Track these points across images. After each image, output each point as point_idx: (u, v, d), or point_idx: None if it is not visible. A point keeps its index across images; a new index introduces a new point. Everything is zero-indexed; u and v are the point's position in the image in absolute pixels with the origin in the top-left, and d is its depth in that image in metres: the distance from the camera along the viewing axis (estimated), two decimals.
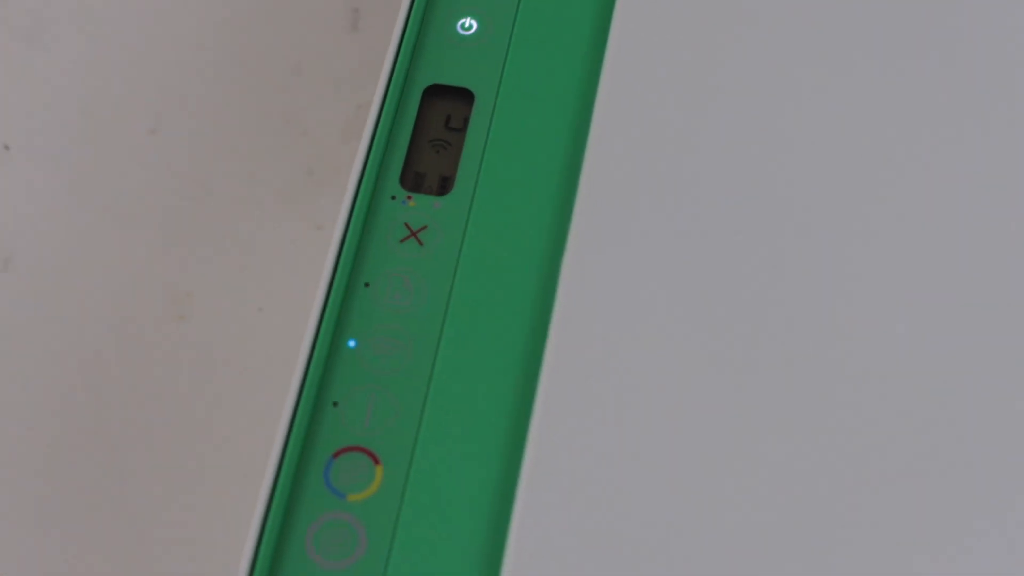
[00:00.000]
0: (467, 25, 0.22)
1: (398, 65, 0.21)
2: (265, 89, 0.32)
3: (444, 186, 0.20)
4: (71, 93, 0.31)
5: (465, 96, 0.21)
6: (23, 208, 0.30)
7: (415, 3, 0.21)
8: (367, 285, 0.19)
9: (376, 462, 0.18)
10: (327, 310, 0.19)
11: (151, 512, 0.25)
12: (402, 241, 0.20)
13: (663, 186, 0.20)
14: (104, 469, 0.26)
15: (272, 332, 0.27)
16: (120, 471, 0.26)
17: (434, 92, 0.21)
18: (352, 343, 0.19)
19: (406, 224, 0.20)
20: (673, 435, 0.18)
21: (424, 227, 0.20)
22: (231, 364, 0.27)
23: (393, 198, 0.20)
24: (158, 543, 0.25)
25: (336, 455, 0.18)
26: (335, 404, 0.18)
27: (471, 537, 0.18)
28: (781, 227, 0.20)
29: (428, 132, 0.21)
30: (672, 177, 0.20)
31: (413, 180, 0.20)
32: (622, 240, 0.19)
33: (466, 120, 0.21)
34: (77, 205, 0.30)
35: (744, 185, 0.20)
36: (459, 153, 0.20)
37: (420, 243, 0.20)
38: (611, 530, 0.17)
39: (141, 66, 0.32)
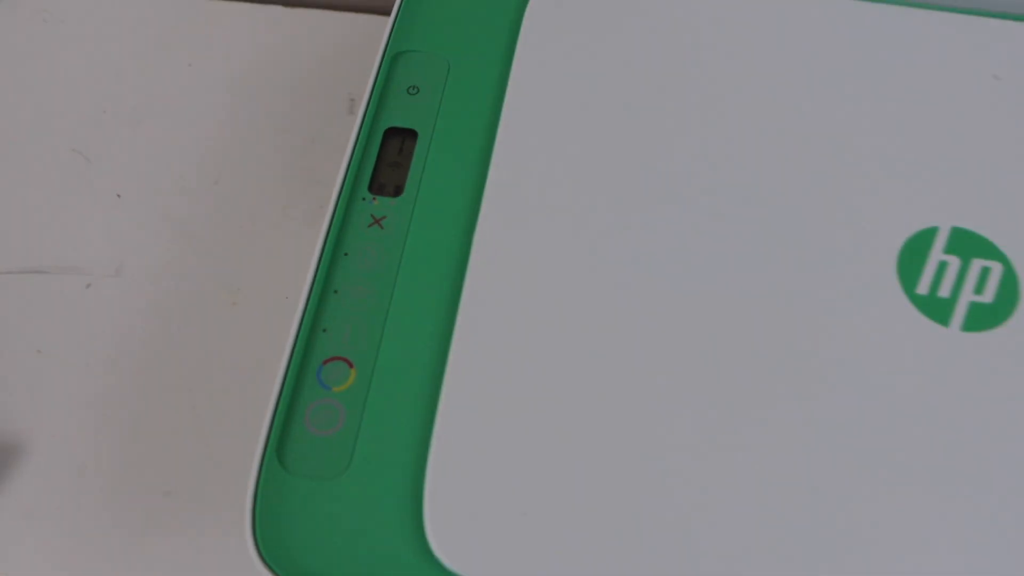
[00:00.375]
0: (413, 90, 0.32)
1: (367, 115, 0.31)
2: (293, 153, 0.43)
3: (397, 191, 0.30)
4: (165, 162, 0.43)
5: (411, 134, 0.31)
6: (130, 237, 0.41)
7: (379, 76, 0.32)
8: (346, 255, 0.29)
9: (351, 366, 0.28)
10: (319, 271, 0.29)
11: (217, 408, 0.36)
12: (369, 226, 0.30)
13: (546, 181, 0.30)
14: (188, 387, 0.37)
15: (292, 306, 0.37)
16: (195, 388, 0.37)
17: (391, 132, 0.31)
18: (336, 291, 0.29)
19: (372, 215, 0.30)
20: (571, 333, 0.27)
21: (384, 217, 0.30)
22: (263, 326, 0.38)
23: (364, 199, 0.30)
24: (214, 426, 0.36)
25: (325, 362, 0.28)
26: (324, 330, 0.28)
27: (412, 412, 0.27)
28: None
29: (387, 157, 0.31)
30: (553, 176, 0.30)
31: (377, 187, 0.31)
32: (520, 223, 0.29)
33: (412, 149, 0.31)
34: (167, 233, 0.41)
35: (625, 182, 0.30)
36: (407, 170, 0.31)
37: (381, 227, 0.30)
38: (508, 402, 0.27)
39: (213, 143, 0.44)
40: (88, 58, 0.47)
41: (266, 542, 0.25)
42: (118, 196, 0.43)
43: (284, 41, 0.47)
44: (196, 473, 0.37)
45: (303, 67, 0.46)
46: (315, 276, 0.29)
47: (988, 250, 0.29)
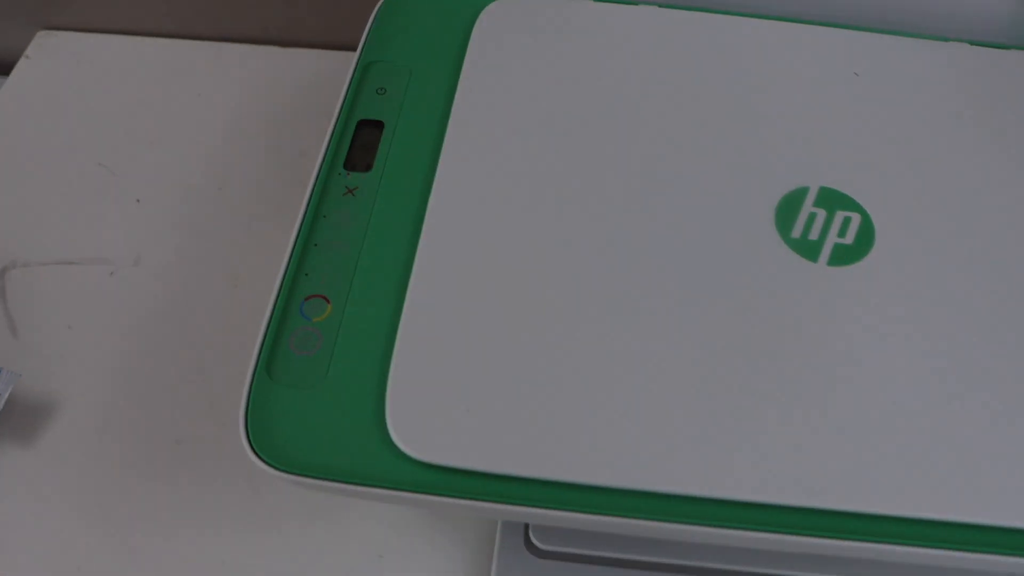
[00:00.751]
0: (381, 91, 0.39)
1: (343, 110, 0.38)
2: (284, 163, 0.50)
3: (367, 168, 0.37)
4: (176, 173, 0.50)
5: (379, 124, 0.38)
6: (147, 234, 0.48)
7: (352, 80, 0.39)
8: (325, 217, 0.36)
9: (327, 302, 0.34)
10: (302, 228, 0.35)
11: (220, 369, 0.42)
12: (344, 194, 0.36)
13: (486, 160, 0.36)
14: (196, 353, 0.43)
15: None
16: (202, 353, 0.43)
17: (363, 123, 0.38)
18: (316, 244, 0.35)
19: (346, 186, 0.37)
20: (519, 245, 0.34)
21: (356, 188, 0.37)
22: (260, 302, 0.44)
23: (339, 174, 0.37)
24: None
25: (306, 299, 0.34)
26: (306, 275, 0.35)
27: (377, 336, 0.33)
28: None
29: (359, 142, 0.38)
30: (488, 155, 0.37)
31: (351, 165, 0.37)
32: (465, 189, 0.36)
33: (379, 135, 0.38)
34: (179, 230, 0.48)
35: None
36: (376, 151, 0.37)
37: (354, 195, 0.36)
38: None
39: (217, 155, 0.51)
40: (114, 90, 0.55)
41: (255, 436, 0.31)
42: (137, 201, 0.50)
43: (278, 73, 0.55)
44: (203, 424, 0.43)
45: (293, 94, 0.53)
46: (298, 232, 0.35)
47: (850, 205, 0.36)
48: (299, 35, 0.54)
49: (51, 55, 0.57)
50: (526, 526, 0.41)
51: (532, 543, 0.40)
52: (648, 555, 0.39)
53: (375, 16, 0.41)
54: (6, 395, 0.43)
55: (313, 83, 0.54)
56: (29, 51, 0.57)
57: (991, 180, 0.36)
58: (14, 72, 0.56)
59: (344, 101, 0.38)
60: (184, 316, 0.46)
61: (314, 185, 0.36)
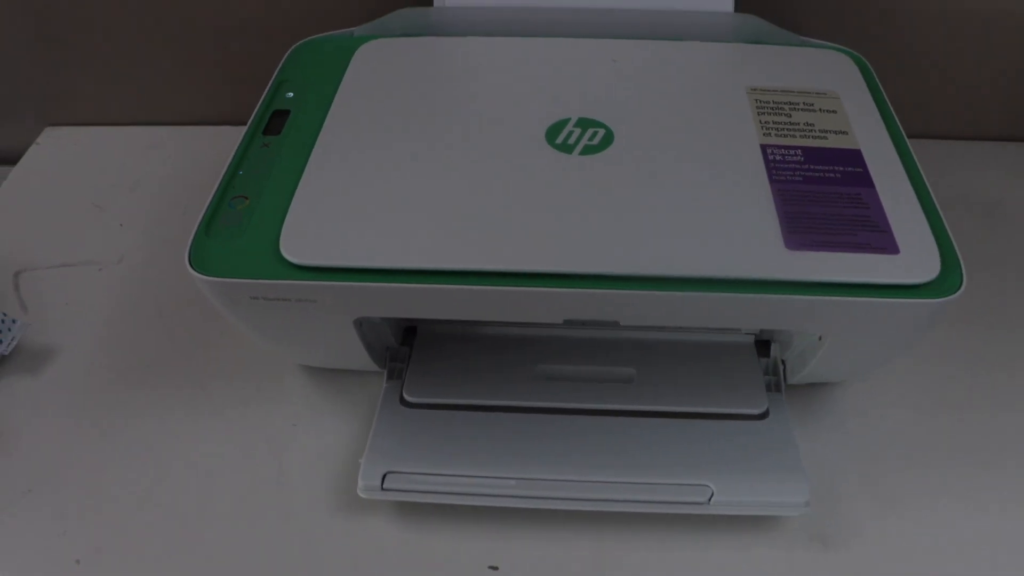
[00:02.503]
0: (289, 95, 0.59)
1: (263, 103, 0.57)
2: None
3: (278, 133, 0.55)
4: (151, 204, 0.69)
5: (287, 112, 0.57)
6: (128, 243, 0.66)
7: (270, 89, 0.58)
8: (248, 157, 0.54)
9: (247, 199, 0.51)
10: (233, 161, 0.53)
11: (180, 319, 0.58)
12: (262, 147, 0.54)
13: (351, 127, 0.55)
14: (161, 315, 0.59)
15: None
16: (166, 315, 0.59)
17: (276, 112, 0.57)
18: (240, 172, 0.53)
19: (264, 143, 0.54)
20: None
21: (269, 144, 0.54)
22: None
23: (259, 137, 0.55)
24: None
25: (233, 199, 0.51)
26: (234, 186, 0.52)
27: (277, 215, 0.50)
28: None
29: (273, 121, 0.56)
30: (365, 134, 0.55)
31: (267, 132, 0.56)
32: (336, 138, 0.54)
33: (287, 118, 0.57)
34: (152, 240, 0.66)
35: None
36: (284, 125, 0.56)
37: (268, 147, 0.54)
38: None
39: (181, 189, 0.70)
40: (108, 155, 0.75)
41: (195, 263, 0.47)
42: (120, 225, 0.68)
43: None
44: (163, 353, 0.59)
45: None
46: (230, 163, 0.53)
47: (599, 125, 0.54)
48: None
49: (56, 141, 0.78)
50: (401, 390, 0.55)
51: (405, 399, 0.55)
52: (486, 399, 0.54)
53: (288, 54, 0.61)
54: (18, 338, 0.59)
55: None
56: (40, 139, 0.77)
57: (680, 114, 0.55)
58: (27, 154, 0.76)
59: (264, 99, 0.58)
60: (154, 288, 0.63)
61: (242, 141, 0.54)
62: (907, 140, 0.53)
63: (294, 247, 0.47)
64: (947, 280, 0.45)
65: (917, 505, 0.51)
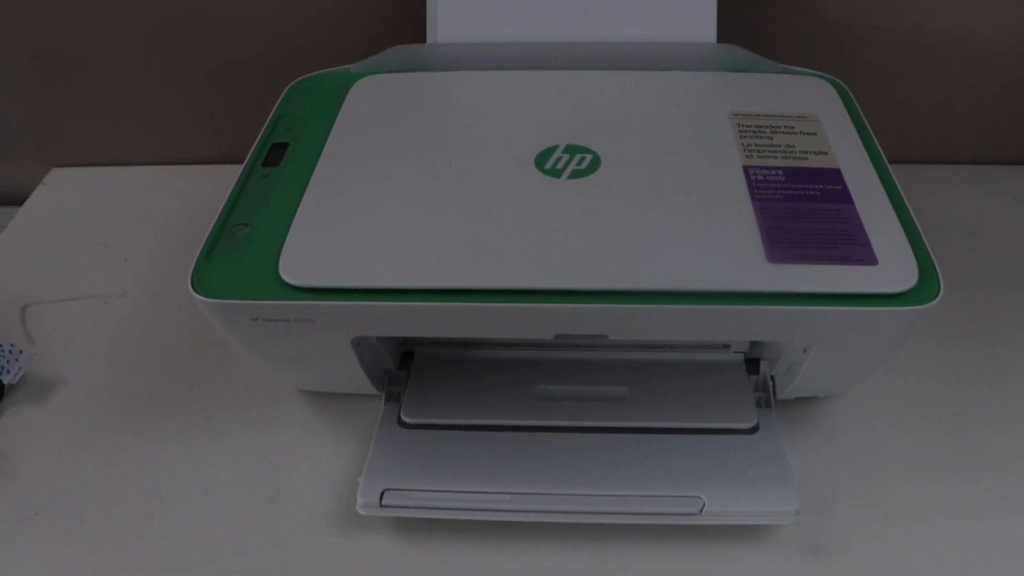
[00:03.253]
0: (288, 128, 0.61)
1: (263, 137, 0.59)
2: None
3: (277, 164, 0.57)
4: (152, 242, 0.71)
5: (285, 144, 0.59)
6: (131, 279, 0.67)
7: (269, 123, 0.61)
8: (248, 187, 0.55)
9: (247, 226, 0.53)
10: (234, 192, 0.55)
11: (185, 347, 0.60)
12: (262, 176, 0.56)
13: (345, 159, 0.57)
14: (164, 344, 0.61)
15: None
16: (170, 346, 0.61)
17: (276, 145, 0.59)
18: (241, 200, 0.55)
19: (264, 174, 0.56)
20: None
21: (269, 174, 0.56)
22: None
23: (259, 168, 0.57)
24: None
25: (235, 226, 0.53)
26: (237, 214, 0.54)
27: (275, 240, 0.51)
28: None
29: (272, 153, 0.58)
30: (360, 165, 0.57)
31: (266, 164, 0.58)
32: (329, 171, 0.56)
33: (285, 150, 0.59)
34: (155, 275, 0.67)
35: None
36: (283, 157, 0.58)
37: (268, 178, 0.56)
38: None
39: (181, 229, 0.72)
40: (112, 194, 0.77)
41: (197, 286, 0.49)
42: (124, 261, 0.70)
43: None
44: (167, 384, 0.60)
45: None
46: (231, 194, 0.55)
47: (585, 151, 0.56)
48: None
49: (61, 182, 0.80)
50: (399, 411, 0.56)
51: (402, 420, 0.56)
52: (482, 419, 0.55)
53: (287, 90, 0.64)
54: (25, 368, 0.60)
55: None
56: (46, 180, 0.79)
57: (665, 139, 0.57)
58: (34, 194, 0.78)
59: (263, 133, 0.60)
60: (158, 318, 0.64)
61: (243, 172, 0.56)
62: (885, 158, 0.55)
63: (293, 270, 0.48)
64: (925, 288, 0.46)
65: (907, 515, 0.52)
